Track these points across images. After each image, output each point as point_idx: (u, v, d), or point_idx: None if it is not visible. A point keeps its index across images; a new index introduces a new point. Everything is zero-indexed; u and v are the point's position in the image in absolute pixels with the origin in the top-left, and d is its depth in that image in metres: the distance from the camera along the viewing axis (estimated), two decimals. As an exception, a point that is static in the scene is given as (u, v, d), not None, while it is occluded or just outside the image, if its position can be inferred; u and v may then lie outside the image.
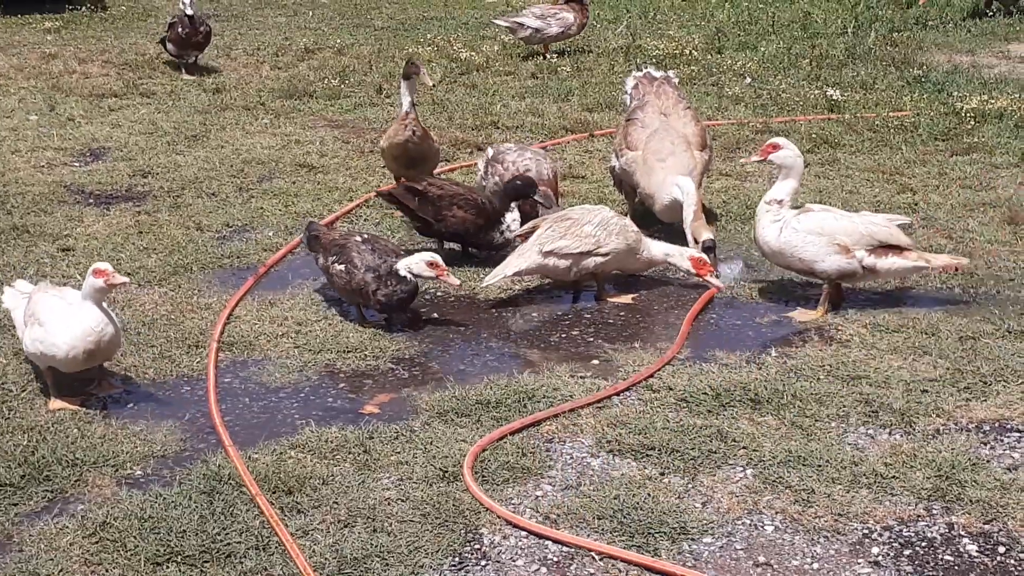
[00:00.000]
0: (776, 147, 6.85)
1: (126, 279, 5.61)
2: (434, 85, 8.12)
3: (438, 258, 6.53)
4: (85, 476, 5.17)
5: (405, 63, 8.22)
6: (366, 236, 6.80)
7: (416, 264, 6.49)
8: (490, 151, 8.09)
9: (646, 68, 8.66)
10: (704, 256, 6.95)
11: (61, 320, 5.59)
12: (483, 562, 4.63)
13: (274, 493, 5.01)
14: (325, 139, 10.14)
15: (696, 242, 7.16)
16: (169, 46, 12.29)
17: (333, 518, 4.86)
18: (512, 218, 7.40)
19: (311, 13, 16.07)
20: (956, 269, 7.05)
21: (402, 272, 6.49)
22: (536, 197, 7.45)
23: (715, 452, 5.30)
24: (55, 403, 5.70)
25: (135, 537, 4.69)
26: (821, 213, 6.73)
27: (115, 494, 5.03)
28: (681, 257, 6.96)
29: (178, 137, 10.13)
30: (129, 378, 6.03)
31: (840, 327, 6.55)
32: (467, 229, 7.42)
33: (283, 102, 11.31)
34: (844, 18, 14.91)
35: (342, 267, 6.61)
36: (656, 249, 7.00)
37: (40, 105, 11.10)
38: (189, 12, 11.95)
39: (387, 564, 4.56)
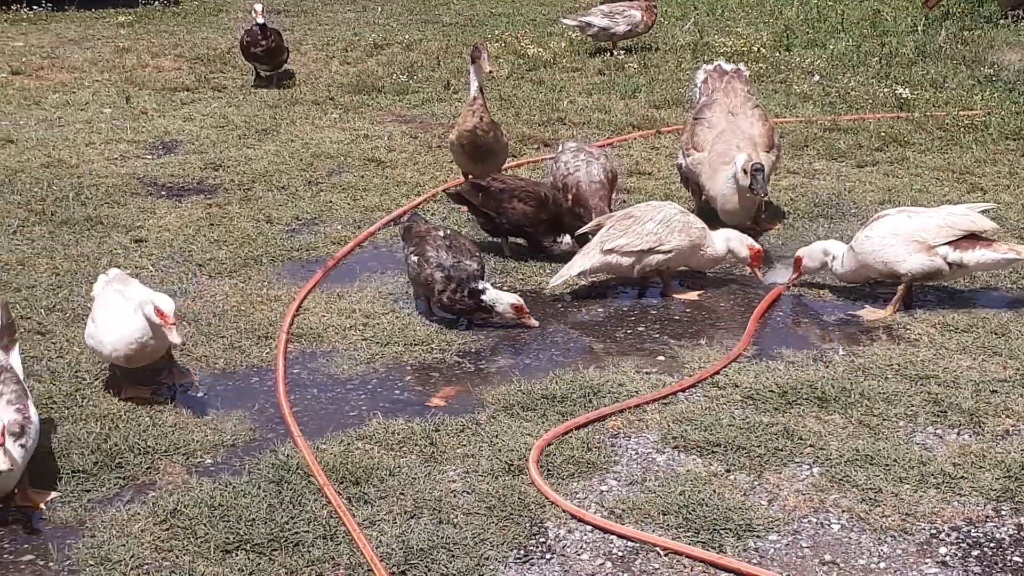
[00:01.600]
0: (799, 260, 6.89)
1: (179, 340, 5.51)
2: (490, 71, 8.11)
3: (522, 301, 6.56)
4: (156, 464, 5.24)
5: (472, 47, 8.25)
6: (448, 231, 6.83)
7: (501, 304, 6.52)
8: (560, 146, 8.10)
9: (716, 61, 8.63)
10: (760, 248, 6.97)
11: (111, 320, 5.63)
12: (548, 555, 4.65)
13: (341, 483, 5.06)
14: (393, 134, 10.21)
15: (744, 172, 7.23)
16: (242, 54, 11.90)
17: (399, 509, 4.90)
18: (567, 238, 7.44)
19: (380, 9, 16.17)
20: None
21: (487, 300, 6.52)
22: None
23: (781, 450, 5.29)
24: (127, 391, 5.79)
25: (205, 524, 4.76)
26: (894, 216, 6.66)
27: (186, 482, 5.11)
28: (741, 243, 6.96)
29: (249, 131, 10.24)
30: (200, 368, 6.11)
31: (908, 326, 6.51)
32: (529, 222, 7.42)
33: (352, 97, 11.40)
34: (914, 16, 14.78)
35: (415, 258, 6.66)
36: (719, 242, 6.98)
37: (114, 98, 11.25)
38: (260, 21, 11.35)
39: (452, 556, 4.59)
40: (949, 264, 6.51)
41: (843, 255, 6.76)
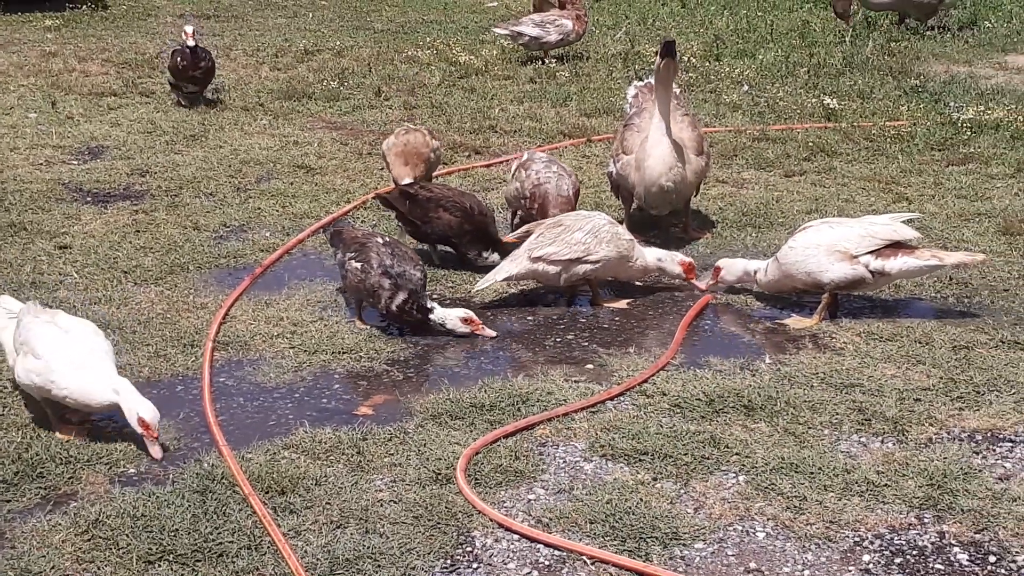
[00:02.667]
0: (718, 269, 6.99)
1: (160, 455, 5.28)
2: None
3: (472, 314, 6.55)
4: (79, 473, 5.17)
5: None
6: (388, 239, 6.81)
7: (451, 320, 6.51)
8: (525, 155, 7.99)
9: (647, 78, 8.66)
10: (690, 261, 7.02)
11: (69, 364, 5.32)
12: (475, 564, 4.64)
13: (267, 493, 5.02)
14: (323, 140, 10.16)
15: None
16: (167, 73, 11.28)
17: (326, 519, 4.87)
18: (495, 255, 7.38)
19: (311, 15, 16.10)
20: (971, 265, 6.95)
21: (435, 319, 6.51)
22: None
23: (708, 458, 5.31)
24: (63, 431, 5.49)
25: (128, 535, 4.70)
26: (817, 227, 6.72)
27: (108, 492, 5.04)
28: (672, 262, 7.03)
29: (177, 137, 10.15)
30: (125, 377, 6.02)
31: (834, 335, 6.57)
32: (453, 232, 7.40)
33: (282, 103, 11.34)
34: (842, 27, 14.92)
35: (358, 265, 6.62)
36: (650, 256, 7.03)
37: (40, 103, 11.11)
38: (191, 44, 10.85)
39: (379, 565, 4.56)
40: (872, 272, 6.57)
41: (767, 266, 6.83)
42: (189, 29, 10.91)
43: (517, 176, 7.82)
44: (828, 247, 6.58)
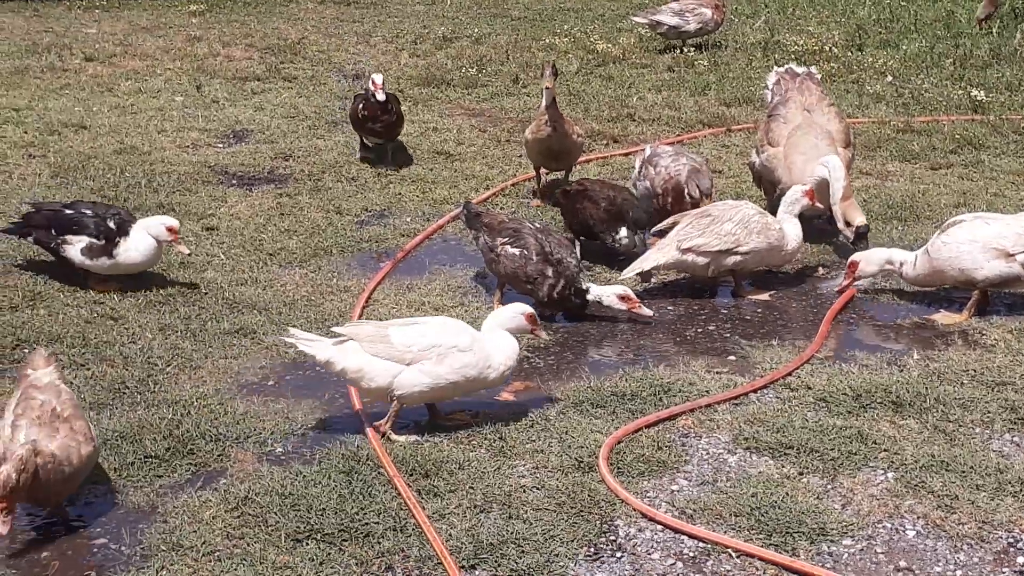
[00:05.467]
0: (855, 265, 6.76)
1: None
2: (548, 88, 8.07)
3: (629, 291, 6.53)
4: (228, 451, 5.26)
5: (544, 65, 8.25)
6: (539, 225, 6.80)
7: (607, 296, 6.50)
8: (648, 150, 7.87)
9: (787, 64, 8.54)
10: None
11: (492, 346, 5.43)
12: (618, 554, 4.62)
13: (411, 476, 5.06)
14: (462, 127, 10.20)
15: (848, 224, 7.00)
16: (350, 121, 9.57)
17: (469, 503, 4.89)
18: (624, 233, 7.24)
19: (449, 2, 16.15)
20: None
21: (591, 297, 6.51)
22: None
23: (855, 454, 5.22)
24: (399, 437, 5.41)
25: (276, 513, 4.77)
26: (970, 222, 6.55)
27: (257, 470, 5.12)
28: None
29: (319, 122, 10.27)
30: (272, 357, 6.12)
31: (984, 331, 6.42)
32: (594, 222, 7.34)
33: (421, 90, 11.40)
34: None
35: (516, 251, 6.61)
36: (792, 237, 6.91)
37: (185, 86, 11.32)
38: (380, 98, 9.03)
39: (522, 551, 4.57)
40: None
41: (915, 259, 6.67)
42: (378, 79, 9.16)
43: (645, 173, 7.65)
44: (984, 243, 6.42)
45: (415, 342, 5.33)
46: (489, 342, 5.43)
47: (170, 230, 6.80)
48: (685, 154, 7.74)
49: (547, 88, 8.07)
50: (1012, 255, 6.40)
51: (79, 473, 4.70)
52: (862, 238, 6.97)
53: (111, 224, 6.78)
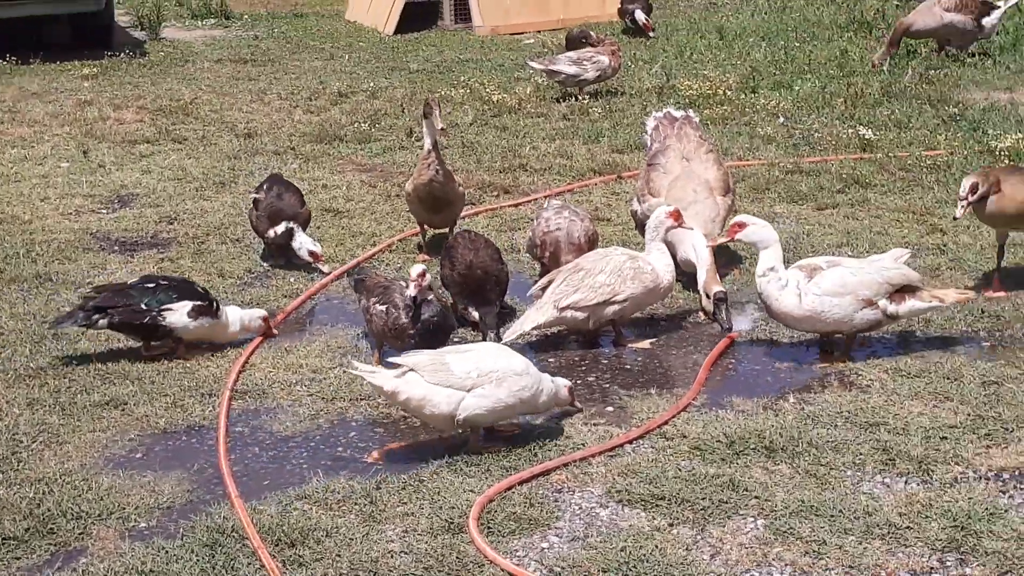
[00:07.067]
0: (742, 225, 6.74)
1: None
2: (442, 128, 8.05)
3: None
4: (90, 529, 5.15)
5: (423, 103, 8.21)
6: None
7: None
8: (545, 203, 7.91)
9: (666, 108, 8.57)
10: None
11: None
12: (484, 617, 4.55)
13: (276, 546, 4.97)
14: (352, 183, 10.14)
15: (708, 297, 6.95)
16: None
17: (335, 572, 4.80)
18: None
19: (347, 57, 16.10)
20: (967, 302, 6.91)
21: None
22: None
23: (726, 502, 5.20)
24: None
25: (134, 591, 4.66)
26: (835, 271, 6.56)
27: (118, 548, 5.01)
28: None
29: (206, 183, 10.16)
30: (141, 428, 6.01)
31: (860, 372, 6.44)
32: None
33: (313, 146, 11.33)
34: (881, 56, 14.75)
35: (383, 308, 6.57)
36: (664, 273, 6.91)
37: (72, 152, 11.16)
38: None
39: (387, 619, 4.49)
40: (887, 316, 6.57)
41: (782, 293, 6.59)
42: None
43: (534, 225, 7.67)
44: (852, 295, 6.49)
45: (475, 368, 5.60)
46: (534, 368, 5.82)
47: None
48: (569, 207, 7.72)
49: (440, 128, 7.99)
50: (875, 303, 6.49)
51: None
52: (720, 304, 6.89)
53: None
